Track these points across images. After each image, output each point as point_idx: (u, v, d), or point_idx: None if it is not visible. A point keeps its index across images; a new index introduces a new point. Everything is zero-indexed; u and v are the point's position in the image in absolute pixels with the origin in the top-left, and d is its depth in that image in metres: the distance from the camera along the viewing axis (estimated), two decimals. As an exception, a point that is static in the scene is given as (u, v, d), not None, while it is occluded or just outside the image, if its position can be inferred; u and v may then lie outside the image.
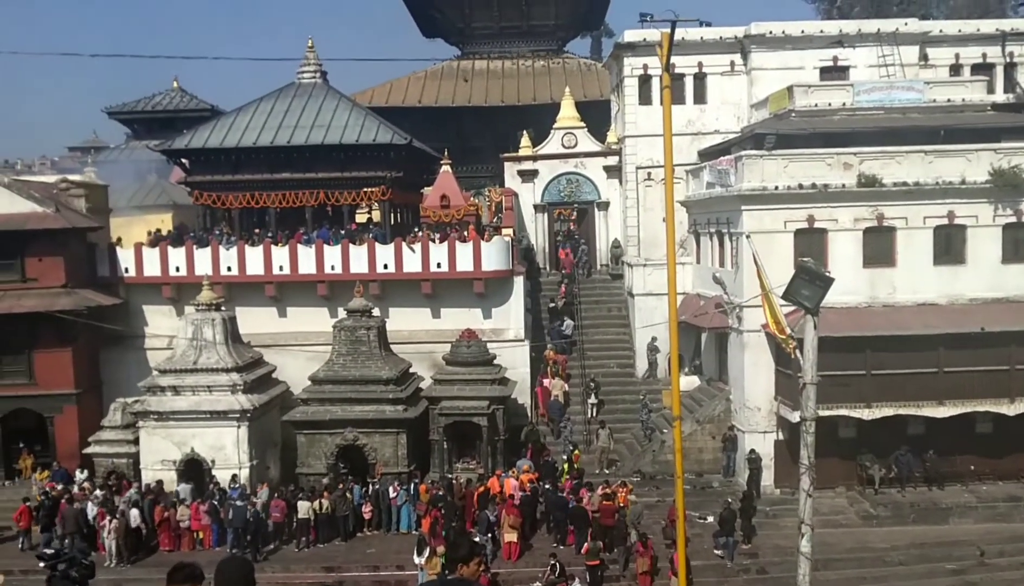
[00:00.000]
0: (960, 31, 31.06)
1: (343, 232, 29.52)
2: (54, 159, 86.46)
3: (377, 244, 28.35)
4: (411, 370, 26.91)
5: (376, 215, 34.28)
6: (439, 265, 28.18)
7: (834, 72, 30.30)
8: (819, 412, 19.21)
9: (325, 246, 28.32)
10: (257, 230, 30.25)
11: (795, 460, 23.09)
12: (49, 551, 5.75)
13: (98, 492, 23.60)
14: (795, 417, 22.60)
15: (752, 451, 24.62)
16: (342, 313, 26.77)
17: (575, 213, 36.38)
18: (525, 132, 35.90)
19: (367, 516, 23.49)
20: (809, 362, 13.07)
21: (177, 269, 28.62)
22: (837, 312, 21.37)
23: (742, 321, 24.70)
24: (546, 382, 28.75)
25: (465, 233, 29.45)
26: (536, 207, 34.81)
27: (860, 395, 23.42)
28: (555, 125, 35.14)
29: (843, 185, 23.93)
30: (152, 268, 28.74)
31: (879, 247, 24.19)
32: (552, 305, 31.97)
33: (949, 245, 24.25)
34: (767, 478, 24.82)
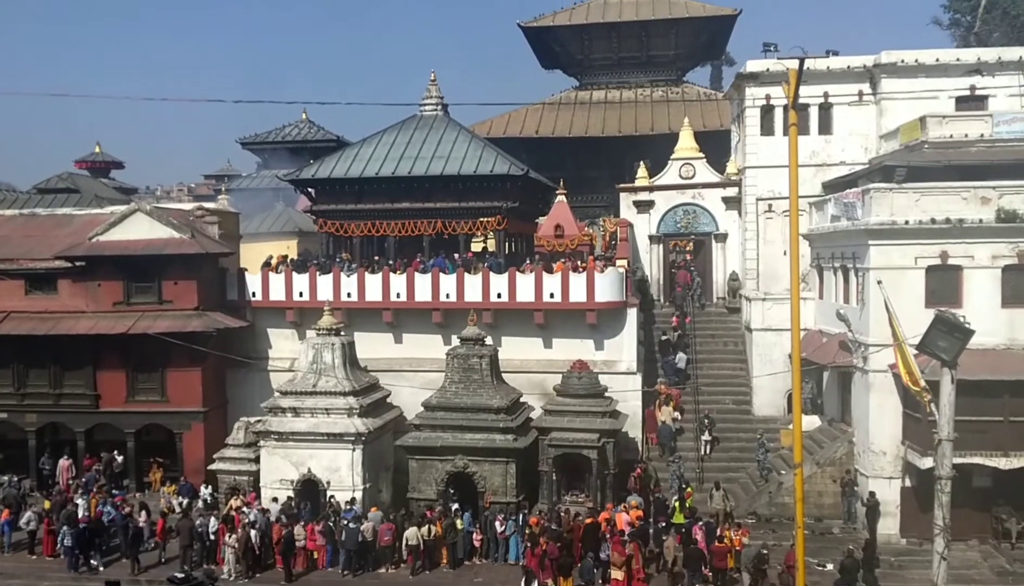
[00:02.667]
0: (1112, 57, 29.07)
1: (459, 261, 29.96)
2: (190, 186, 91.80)
3: (491, 273, 28.63)
4: (522, 399, 26.93)
5: (491, 244, 34.64)
6: (552, 295, 28.18)
7: (971, 101, 28.87)
8: (953, 459, 18.22)
9: (441, 274, 28.79)
10: (377, 257, 31.05)
11: (923, 509, 21.94)
12: (180, 575, 5.96)
13: (224, 505, 24.54)
14: (924, 463, 21.46)
15: (871, 495, 23.46)
16: (455, 340, 27.09)
17: (691, 244, 35.80)
18: (642, 162, 35.67)
19: (477, 544, 23.54)
20: (946, 417, 12.31)
21: (300, 294, 29.63)
22: (972, 354, 20.07)
23: (867, 360, 23.63)
24: (657, 413, 28.30)
25: (579, 263, 29.38)
26: (651, 238, 34.45)
27: (997, 443, 22.01)
28: (673, 155, 34.78)
29: (980, 220, 22.66)
30: (277, 293, 29.87)
31: (1020, 286, 22.73)
32: (665, 337, 31.48)
33: (1096, 286, 22.58)
34: (892, 526, 23.56)
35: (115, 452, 28.69)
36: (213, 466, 26.81)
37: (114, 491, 26.78)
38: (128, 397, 28.66)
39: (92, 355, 28.50)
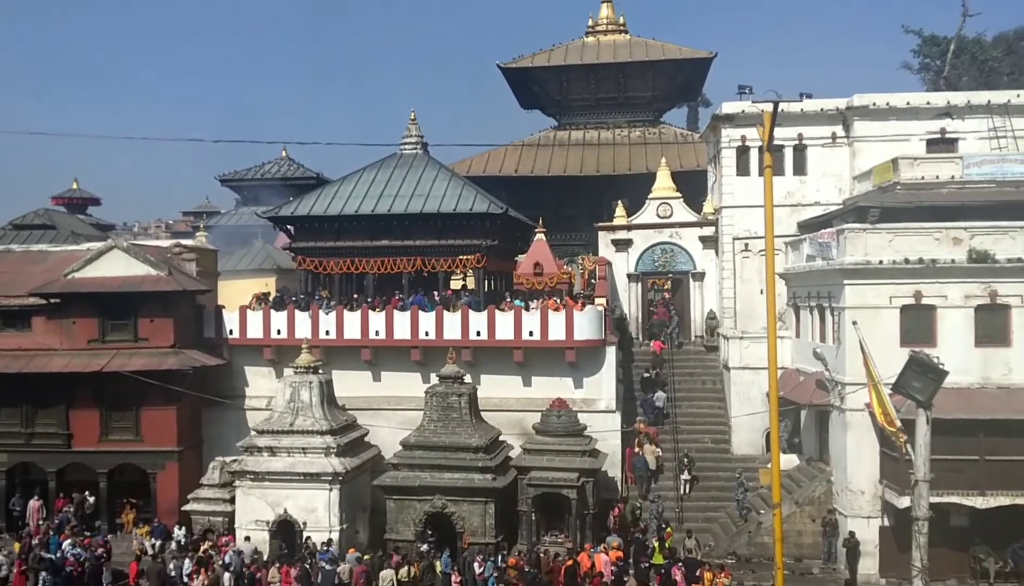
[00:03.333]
0: (1078, 102, 29.83)
1: (438, 298, 29.96)
2: (169, 222, 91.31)
3: (470, 311, 28.64)
4: (501, 438, 26.81)
5: (471, 282, 34.72)
6: (531, 333, 28.21)
7: (941, 144, 29.47)
8: (930, 499, 18.33)
9: (420, 312, 28.77)
10: (356, 295, 30.98)
11: (902, 548, 21.96)
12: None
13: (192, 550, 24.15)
14: (902, 503, 21.53)
15: (851, 534, 23.49)
16: (434, 378, 27.00)
17: (669, 283, 36.07)
18: (620, 202, 36.00)
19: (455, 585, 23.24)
20: (922, 457, 12.44)
21: (279, 332, 29.47)
22: (947, 393, 20.30)
23: (844, 399, 23.80)
24: (637, 450, 28.26)
25: (558, 300, 29.47)
26: (630, 276, 34.67)
27: (973, 482, 22.15)
28: (650, 195, 35.14)
29: (952, 260, 23.02)
30: (255, 330, 29.67)
31: (992, 325, 23.06)
32: (646, 375, 31.53)
33: (1069, 325, 22.93)
34: (871, 566, 23.57)
35: (87, 493, 28.17)
36: (187, 507, 26.41)
37: (85, 532, 26.25)
38: (101, 436, 28.22)
39: (65, 393, 28.08)
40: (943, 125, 29.70)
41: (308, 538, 24.13)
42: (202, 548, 24.29)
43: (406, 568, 22.56)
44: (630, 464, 28.26)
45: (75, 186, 50.54)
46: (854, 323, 22.26)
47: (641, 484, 27.90)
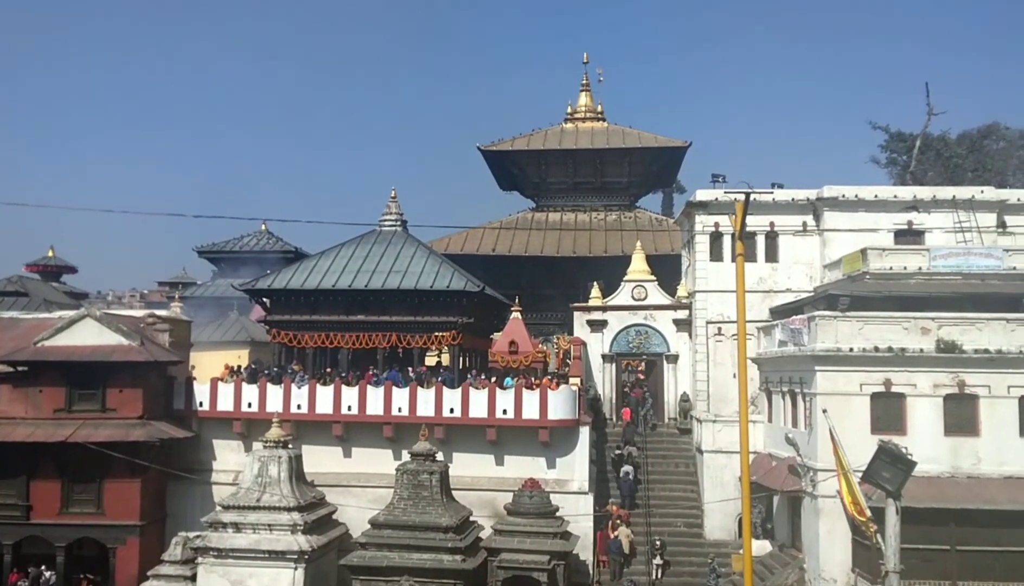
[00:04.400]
0: (1039, 199, 30.87)
1: (412, 374, 29.86)
2: (143, 292, 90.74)
3: (444, 387, 28.54)
4: (472, 518, 26.43)
5: (446, 359, 34.67)
6: (505, 411, 28.11)
7: (909, 236, 30.27)
8: (900, 589, 18.21)
9: (393, 388, 28.63)
10: (329, 369, 30.81)
11: (875, 640, 21.71)
12: None
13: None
14: (874, 593, 21.37)
15: (823, 626, 23.22)
16: (406, 455, 26.71)
17: (643, 364, 36.23)
18: (596, 283, 36.38)
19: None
20: (892, 548, 12.46)
21: (249, 405, 29.13)
22: (918, 481, 20.41)
23: (816, 486, 23.82)
24: (612, 533, 27.90)
25: (533, 379, 29.46)
26: (604, 357, 34.80)
27: (944, 572, 22.13)
28: (625, 277, 35.58)
29: (921, 350, 23.43)
30: (225, 403, 29.31)
31: (961, 415, 23.37)
32: (618, 452, 31.28)
33: (1036, 416, 23.26)
34: (844, 658, 23.23)
35: (43, 567, 27.27)
36: (147, 584, 25.61)
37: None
38: (62, 508, 27.47)
39: (27, 463, 27.40)
40: (910, 218, 30.56)
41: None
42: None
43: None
44: (603, 547, 27.90)
45: (51, 253, 50.25)
46: (824, 411, 22.47)
47: (614, 567, 27.52)
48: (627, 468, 30.52)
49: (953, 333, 23.47)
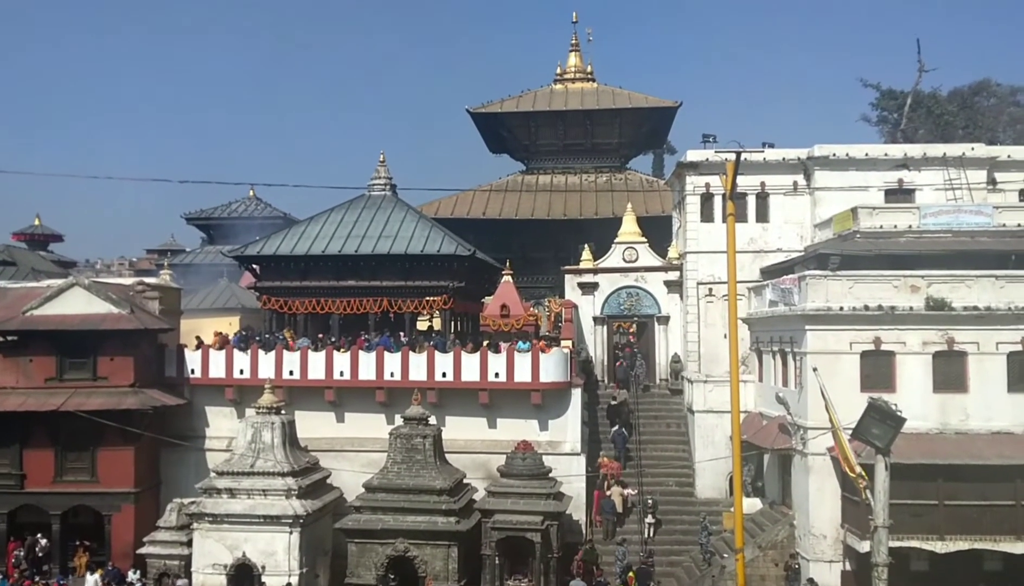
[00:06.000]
0: (1029, 156, 30.83)
1: (404, 339, 29.86)
2: (132, 260, 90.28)
3: (436, 352, 28.58)
4: (465, 481, 26.63)
5: (437, 323, 34.69)
6: (497, 375, 28.19)
7: (899, 194, 30.21)
8: (889, 544, 18.47)
9: (385, 353, 28.65)
10: (321, 335, 30.81)
11: (863, 594, 22.04)
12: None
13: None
14: (863, 547, 21.67)
15: (810, 581, 23.52)
16: (399, 420, 26.83)
17: (635, 326, 36.36)
18: (587, 245, 36.32)
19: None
20: (881, 504, 12.57)
21: (241, 372, 29.14)
22: (907, 438, 20.61)
23: (806, 444, 24.02)
24: (607, 493, 28.18)
25: (524, 341, 29.45)
26: (596, 319, 34.85)
27: (932, 527, 22.37)
28: (616, 239, 35.50)
29: (911, 308, 23.50)
30: (217, 370, 29.32)
31: (950, 372, 23.50)
32: (614, 402, 31.49)
33: (1023, 372, 23.44)
34: (833, 611, 23.59)
35: (39, 535, 27.43)
36: (143, 550, 25.80)
37: (36, 576, 25.52)
38: (56, 477, 27.58)
39: (20, 433, 27.45)
40: (900, 176, 30.48)
41: (264, 583, 23.65)
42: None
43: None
44: (598, 507, 28.16)
45: (37, 222, 49.84)
46: (815, 370, 22.56)
47: (607, 527, 27.82)
48: (622, 428, 30.75)
49: (943, 291, 23.54)
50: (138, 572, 25.68)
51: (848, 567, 23.70)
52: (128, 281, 33.12)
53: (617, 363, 33.92)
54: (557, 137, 49.36)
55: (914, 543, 22.28)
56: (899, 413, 17.99)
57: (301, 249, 30.98)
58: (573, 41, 52.93)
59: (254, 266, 32.27)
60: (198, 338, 30.26)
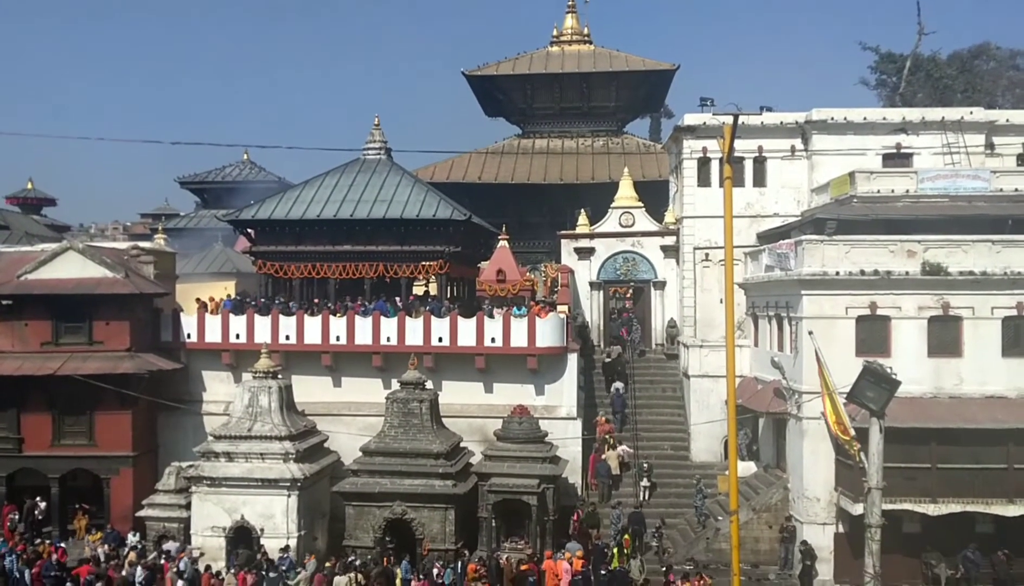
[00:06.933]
0: (1028, 120, 30.69)
1: (400, 304, 29.85)
2: (126, 224, 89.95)
3: (433, 317, 28.58)
4: (462, 444, 26.77)
5: (433, 288, 34.66)
6: (493, 340, 28.23)
7: (897, 158, 30.10)
8: (882, 506, 18.66)
9: (382, 318, 28.63)
10: (317, 300, 30.77)
11: (856, 554, 22.33)
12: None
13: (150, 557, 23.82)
14: (856, 510, 21.90)
15: (804, 543, 23.79)
16: (395, 384, 26.90)
17: (631, 291, 36.33)
18: (583, 210, 36.19)
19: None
20: (875, 466, 12.67)
21: (237, 336, 29.13)
22: (900, 402, 20.75)
23: (801, 408, 24.15)
24: (603, 456, 28.39)
25: (520, 307, 29.48)
26: (592, 284, 34.85)
27: (925, 489, 22.60)
28: (613, 204, 35.37)
29: (907, 272, 23.52)
30: (213, 334, 29.30)
31: (945, 336, 23.59)
32: (608, 359, 31.59)
33: (1018, 337, 23.54)
34: (826, 572, 23.88)
35: (38, 498, 27.58)
36: (142, 513, 25.99)
37: (36, 539, 25.69)
38: (54, 441, 27.68)
39: (17, 397, 27.49)
40: (899, 140, 30.34)
41: (263, 547, 23.83)
42: (150, 556, 23.86)
43: (353, 574, 22.24)
44: (593, 470, 28.39)
45: (30, 186, 49.57)
46: (810, 333, 22.65)
47: (603, 490, 28.06)
48: (618, 384, 30.94)
49: (939, 255, 23.54)
50: (137, 534, 25.86)
51: (841, 529, 23.96)
52: (123, 245, 32.98)
53: (619, 332, 34.03)
54: (553, 100, 48.94)
55: (907, 505, 22.53)
56: (894, 376, 18.08)
57: (296, 213, 30.83)
58: (570, 3, 52.28)
59: (249, 230, 32.13)
60: (199, 300, 30.27)
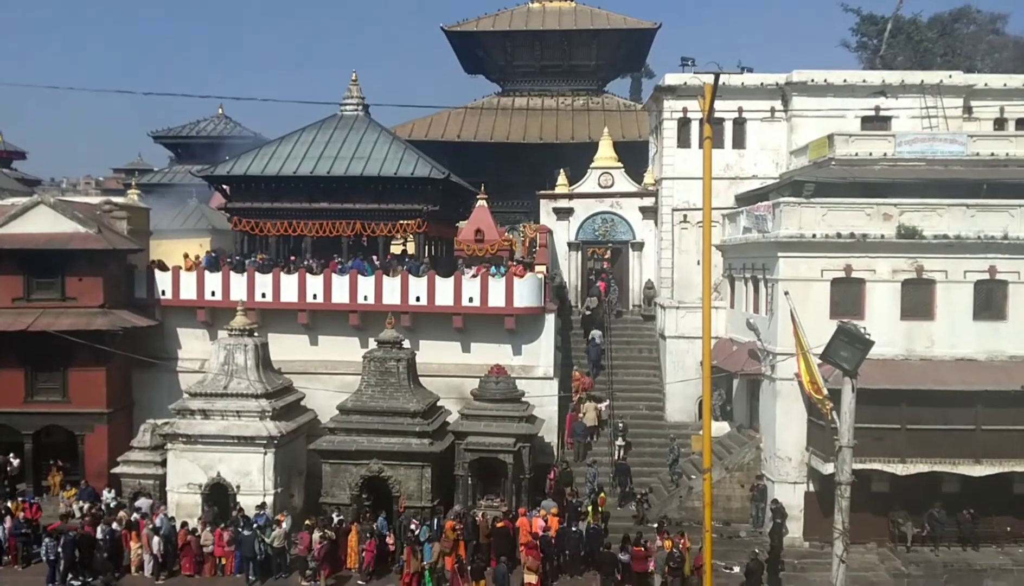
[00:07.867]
0: (1005, 85, 30.73)
1: (377, 263, 29.69)
2: (99, 179, 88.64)
3: (410, 276, 28.47)
4: (439, 403, 26.85)
5: (411, 247, 34.49)
6: (471, 300, 28.21)
7: (875, 121, 30.13)
8: (853, 465, 18.95)
9: (359, 276, 28.49)
10: (293, 257, 30.53)
11: (826, 513, 22.72)
12: (76, 584, 5.74)
13: (122, 513, 23.83)
14: (827, 469, 22.26)
15: (775, 501, 24.18)
16: (372, 343, 26.86)
17: (609, 252, 36.41)
18: (562, 170, 36.04)
19: (391, 548, 23.31)
20: (846, 425, 12.83)
21: (213, 293, 28.91)
22: (872, 364, 20.92)
23: (775, 369, 24.40)
24: (579, 415, 28.62)
25: (500, 267, 29.44)
26: (570, 245, 34.84)
27: (894, 450, 23.00)
28: (592, 164, 35.23)
29: (882, 236, 23.67)
30: (188, 292, 29.06)
31: (918, 299, 23.84)
32: (588, 312, 31.76)
33: (990, 300, 23.83)
34: (796, 530, 24.32)
35: (11, 455, 27.44)
36: (117, 469, 25.95)
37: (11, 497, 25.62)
38: (27, 397, 27.45)
39: (-12, 353, 27.22)
40: (878, 103, 30.33)
41: (239, 505, 23.91)
42: (121, 514, 23.87)
43: (325, 531, 22.42)
44: (570, 429, 28.62)
45: (-1, 139, 48.61)
46: (786, 293, 22.80)
47: (579, 448, 28.33)
48: (595, 332, 31.11)
49: (914, 219, 23.70)
50: (113, 491, 25.84)
51: (812, 488, 24.37)
52: (95, 200, 32.44)
53: (597, 285, 34.19)
54: (534, 58, 48.48)
55: (876, 465, 22.94)
56: (868, 336, 18.24)
57: (272, 169, 30.48)
58: (551, -42, 51.53)
59: (224, 187, 31.75)
60: (187, 256, 30.04)
